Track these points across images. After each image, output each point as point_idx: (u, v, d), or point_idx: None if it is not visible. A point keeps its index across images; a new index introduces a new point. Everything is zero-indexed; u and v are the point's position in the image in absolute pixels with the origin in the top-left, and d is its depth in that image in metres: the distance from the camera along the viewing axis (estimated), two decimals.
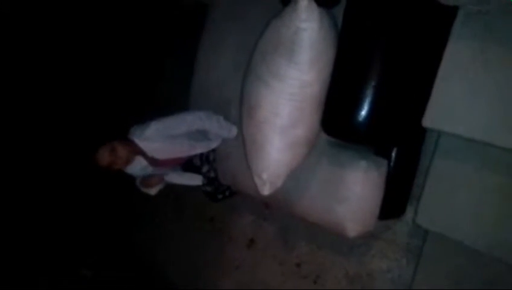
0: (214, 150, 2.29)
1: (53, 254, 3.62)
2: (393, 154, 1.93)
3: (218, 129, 2.18)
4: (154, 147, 2.07)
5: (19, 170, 3.53)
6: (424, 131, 1.94)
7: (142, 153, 2.09)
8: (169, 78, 3.60)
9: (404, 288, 2.16)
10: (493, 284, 1.69)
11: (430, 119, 1.55)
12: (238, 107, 2.08)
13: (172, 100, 2.53)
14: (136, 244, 3.91)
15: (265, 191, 1.77)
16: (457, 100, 1.50)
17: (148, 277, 3.64)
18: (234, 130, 2.20)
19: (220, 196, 2.44)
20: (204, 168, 2.31)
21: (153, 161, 2.16)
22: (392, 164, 1.93)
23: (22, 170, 3.55)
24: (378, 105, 1.64)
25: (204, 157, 2.30)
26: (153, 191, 2.30)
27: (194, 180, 2.38)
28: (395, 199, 2.03)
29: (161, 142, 2.07)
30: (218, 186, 2.38)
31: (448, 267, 1.83)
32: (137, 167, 2.17)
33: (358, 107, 1.63)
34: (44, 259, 3.56)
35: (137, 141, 2.04)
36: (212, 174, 2.31)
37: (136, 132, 2.05)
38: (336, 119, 1.74)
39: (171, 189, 3.53)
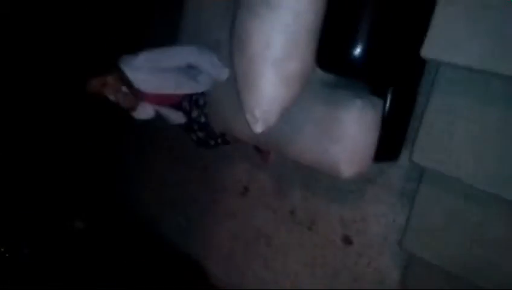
0: (203, 94, 2.21)
1: (45, 207, 3.60)
2: (389, 95, 1.88)
3: (210, 67, 2.11)
4: (141, 78, 2.03)
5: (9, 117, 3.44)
6: (421, 69, 1.89)
7: (129, 84, 2.04)
8: (159, 21, 3.48)
9: (399, 232, 2.15)
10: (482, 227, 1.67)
11: (429, 49, 1.48)
12: (228, 49, 1.98)
13: (162, 44, 2.43)
14: (128, 196, 3.90)
15: (258, 128, 1.70)
16: (457, 29, 1.42)
17: (140, 228, 3.64)
18: (225, 72, 2.11)
19: (212, 142, 2.38)
20: (194, 113, 2.24)
21: (138, 94, 2.10)
22: (388, 104, 1.88)
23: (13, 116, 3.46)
24: (375, 37, 1.57)
25: (194, 102, 2.22)
26: (135, 114, 2.20)
27: (178, 117, 2.29)
28: (391, 140, 1.98)
29: (149, 73, 2.03)
30: (210, 132, 2.32)
31: (442, 208, 1.80)
32: (143, 113, 2.18)
33: (355, 38, 1.55)
34: (37, 211, 3.54)
35: (124, 69, 2.01)
36: (202, 119, 2.25)
37: (125, 61, 2.03)
38: (331, 53, 1.66)
39: (164, 140, 3.53)
